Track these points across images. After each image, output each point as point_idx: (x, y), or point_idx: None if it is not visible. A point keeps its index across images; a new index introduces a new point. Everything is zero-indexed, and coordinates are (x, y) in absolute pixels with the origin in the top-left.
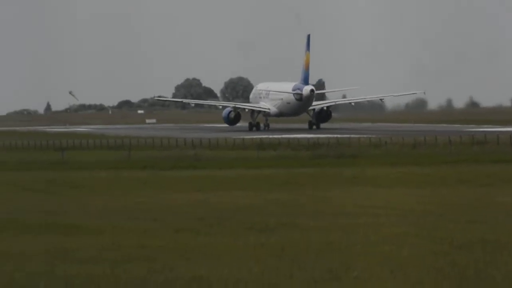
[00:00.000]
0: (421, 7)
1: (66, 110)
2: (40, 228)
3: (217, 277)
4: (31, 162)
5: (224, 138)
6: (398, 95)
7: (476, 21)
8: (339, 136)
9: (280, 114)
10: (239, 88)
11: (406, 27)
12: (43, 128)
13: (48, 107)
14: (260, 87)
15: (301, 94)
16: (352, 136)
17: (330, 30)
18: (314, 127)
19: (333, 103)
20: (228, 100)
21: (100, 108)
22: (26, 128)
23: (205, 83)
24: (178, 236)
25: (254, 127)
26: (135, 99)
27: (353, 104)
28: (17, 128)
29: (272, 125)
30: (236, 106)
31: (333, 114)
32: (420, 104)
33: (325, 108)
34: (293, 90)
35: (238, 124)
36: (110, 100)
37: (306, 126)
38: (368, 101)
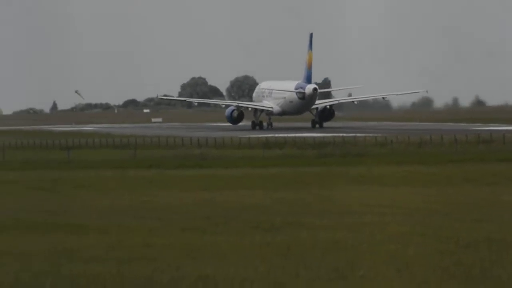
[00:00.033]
0: (426, 5)
1: (72, 109)
2: (46, 227)
3: (223, 276)
4: (37, 161)
5: (230, 137)
6: (401, 94)
7: (482, 20)
8: (345, 135)
9: (283, 113)
10: (245, 87)
11: (412, 25)
12: (49, 127)
13: (54, 106)
14: (263, 85)
15: (304, 93)
16: (358, 135)
17: (336, 29)
18: (317, 125)
19: (336, 102)
20: (234, 99)
21: (106, 107)
22: (32, 127)
23: (211, 82)
24: (184, 235)
25: (257, 126)
26: (141, 98)
27: (356, 102)
28: (23, 127)
29: (275, 124)
30: (239, 105)
31: (339, 113)
32: (426, 102)
33: (328, 107)
34: (296, 88)
35: (241, 123)
36: (116, 99)
37: (309, 124)
38: (374, 100)
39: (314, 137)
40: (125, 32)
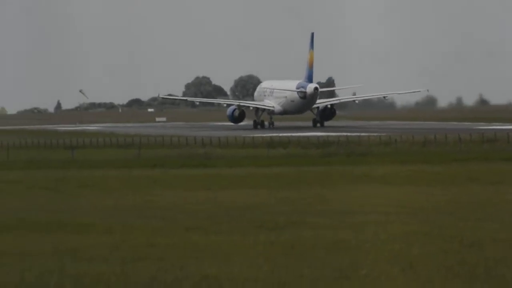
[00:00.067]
0: (430, 3)
1: (76, 109)
2: (50, 226)
3: (227, 276)
4: (41, 161)
5: (234, 136)
6: (402, 93)
7: (487, 19)
8: (349, 134)
9: (284, 112)
10: (249, 86)
11: (416, 25)
12: (53, 126)
13: (58, 106)
14: (264, 85)
15: (305, 92)
16: (362, 134)
17: (341, 29)
18: (318, 125)
19: (337, 101)
20: (238, 98)
21: (110, 106)
22: (36, 126)
23: (215, 81)
24: (188, 234)
25: (258, 125)
26: (145, 97)
27: (357, 101)
28: (27, 127)
29: (276, 123)
30: (241, 104)
31: (342, 112)
32: (430, 102)
33: (329, 106)
34: (297, 88)
35: (242, 123)
36: (120, 98)
37: (310, 124)
38: (378, 99)
39: (318, 137)
40: (129, 31)
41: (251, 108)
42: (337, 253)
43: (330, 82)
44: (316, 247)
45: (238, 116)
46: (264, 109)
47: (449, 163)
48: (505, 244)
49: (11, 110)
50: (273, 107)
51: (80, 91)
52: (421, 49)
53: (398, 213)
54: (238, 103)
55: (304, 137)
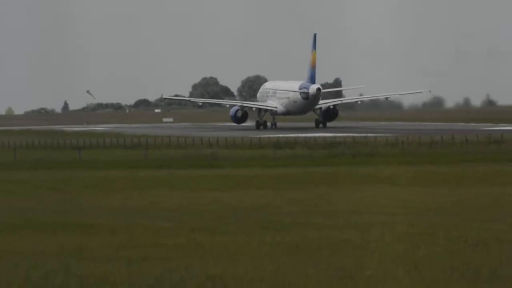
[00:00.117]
0: (436, 5)
1: (83, 109)
2: (56, 227)
3: (232, 276)
4: (48, 161)
5: (240, 137)
6: (404, 94)
7: (493, 19)
8: (355, 135)
9: (287, 113)
10: (256, 87)
11: (424, 25)
12: (60, 127)
13: (65, 106)
14: (267, 86)
15: (307, 93)
16: (368, 135)
17: (347, 30)
18: (321, 125)
19: (339, 102)
20: (245, 99)
21: (117, 107)
22: (43, 127)
23: (222, 81)
24: (194, 235)
25: (261, 125)
26: (152, 98)
27: (359, 102)
28: (35, 127)
29: (279, 124)
30: (243, 104)
31: (349, 113)
32: (437, 102)
33: (331, 106)
34: (300, 89)
35: (245, 123)
36: (127, 99)
37: (313, 124)
38: (384, 99)
39: (324, 137)
40: (137, 32)
41: (253, 108)
42: (342, 254)
43: (337, 83)
44: (321, 247)
45: (241, 117)
46: (267, 109)
47: (455, 164)
48: (510, 245)
49: (18, 110)
50: (275, 107)
51: (88, 91)
52: (428, 50)
53: (404, 214)
54: (241, 104)
55: (310, 137)
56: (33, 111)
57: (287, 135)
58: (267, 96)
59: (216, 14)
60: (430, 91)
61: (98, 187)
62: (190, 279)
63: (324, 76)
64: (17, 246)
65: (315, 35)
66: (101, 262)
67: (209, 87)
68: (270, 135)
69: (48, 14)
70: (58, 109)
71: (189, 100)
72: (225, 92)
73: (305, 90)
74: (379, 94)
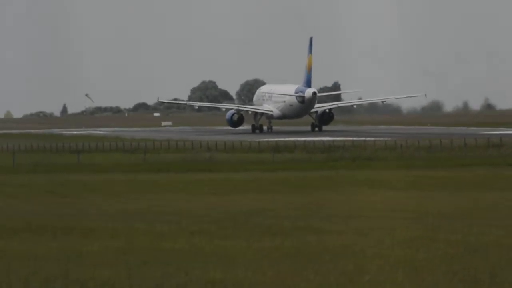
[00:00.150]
0: (436, 9)
1: (82, 113)
2: (56, 230)
3: (232, 281)
4: (47, 165)
5: (239, 141)
6: (400, 98)
7: (494, 23)
8: (354, 139)
9: (283, 117)
10: (255, 91)
11: (421, 29)
12: (59, 130)
13: (64, 110)
14: (263, 89)
15: (303, 97)
16: (367, 139)
17: (346, 33)
18: (317, 129)
19: (335, 106)
20: (244, 103)
21: (116, 110)
22: (42, 130)
23: (221, 85)
24: (193, 239)
25: (257, 129)
26: (151, 101)
27: (355, 106)
28: (33, 131)
29: (275, 128)
30: (239, 108)
31: (348, 117)
32: (436, 106)
33: (327, 110)
34: (296, 92)
35: (241, 127)
36: (126, 102)
37: (309, 128)
38: (383, 103)
39: (323, 141)
40: (135, 36)
41: (249, 112)
42: (342, 258)
43: (336, 87)
44: (321, 252)
45: (237, 120)
46: (263, 113)
47: (454, 168)
48: (510, 250)
49: (17, 114)
50: (271, 111)
51: (86, 95)
52: (427, 52)
53: (404, 218)
54: (237, 107)
55: (309, 141)
56: (32, 115)
57: (286, 139)
58: (263, 99)
59: (215, 17)
60: (425, 95)
61: (97, 191)
62: (190, 283)
63: (323, 80)
64: (17, 250)
65: (311, 39)
66: (100, 267)
67: (208, 91)
68: (269, 139)
69: (47, 17)
70: (57, 112)
71: (185, 103)
72: (224, 96)
73: (301, 94)
74: (378, 97)
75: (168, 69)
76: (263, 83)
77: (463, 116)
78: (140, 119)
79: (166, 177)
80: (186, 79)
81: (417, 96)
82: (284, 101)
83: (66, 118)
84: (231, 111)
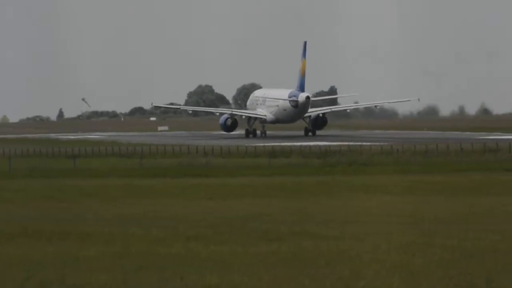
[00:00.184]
0: (434, 12)
1: (78, 117)
2: (52, 235)
3: (228, 286)
4: (43, 170)
5: (235, 145)
6: (393, 102)
7: (493, 26)
8: (351, 143)
9: (277, 121)
10: None
11: (419, 32)
12: (55, 135)
13: (60, 114)
14: (257, 94)
15: (297, 101)
16: (364, 143)
17: (342, 37)
18: (310, 133)
19: (328, 110)
20: (240, 107)
21: (113, 115)
22: (38, 135)
23: (218, 89)
24: (189, 244)
25: (250, 134)
26: (147, 106)
27: (348, 111)
28: (29, 135)
29: (268, 132)
30: (233, 113)
31: (344, 121)
32: (432, 111)
33: (320, 115)
34: (289, 97)
35: (235, 132)
36: (123, 107)
37: (302, 132)
38: (380, 108)
39: (319, 146)
40: (132, 40)
41: (243, 117)
42: (338, 263)
43: (333, 91)
44: (317, 257)
45: (230, 125)
46: (256, 117)
47: (450, 173)
48: (506, 255)
49: (13, 118)
50: (265, 115)
51: (83, 99)
52: (426, 54)
53: (400, 223)
54: (230, 112)
55: (306, 146)
56: (28, 119)
57: (282, 144)
58: (257, 104)
59: (211, 22)
60: (419, 99)
61: (93, 196)
62: None
63: (320, 84)
64: (13, 255)
65: (305, 43)
66: (97, 271)
67: (205, 95)
68: (265, 144)
69: (43, 21)
70: (53, 117)
71: (179, 108)
72: (221, 100)
73: (294, 98)
74: (375, 101)
75: (164, 74)
76: (260, 88)
77: (460, 120)
78: (136, 124)
79: (163, 182)
80: (182, 84)
81: (409, 100)
82: (278, 106)
83: (62, 122)
84: (225, 116)
